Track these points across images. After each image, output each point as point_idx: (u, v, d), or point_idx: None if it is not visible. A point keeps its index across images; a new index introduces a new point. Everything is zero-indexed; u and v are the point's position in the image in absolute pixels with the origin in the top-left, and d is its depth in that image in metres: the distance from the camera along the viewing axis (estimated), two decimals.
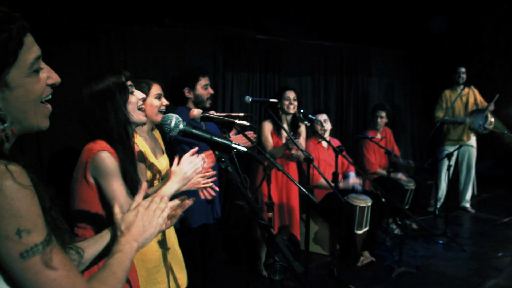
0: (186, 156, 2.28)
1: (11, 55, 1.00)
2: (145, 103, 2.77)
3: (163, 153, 3.02)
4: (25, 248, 0.95)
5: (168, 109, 2.78)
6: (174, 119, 1.37)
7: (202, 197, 2.80)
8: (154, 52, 4.85)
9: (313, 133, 4.97)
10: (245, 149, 1.39)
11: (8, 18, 1.00)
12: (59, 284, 0.99)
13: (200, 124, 2.65)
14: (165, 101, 2.86)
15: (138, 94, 2.31)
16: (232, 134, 3.52)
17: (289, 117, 4.53)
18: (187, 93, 3.65)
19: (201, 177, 2.67)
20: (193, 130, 1.38)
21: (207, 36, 5.38)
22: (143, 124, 2.43)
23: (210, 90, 3.76)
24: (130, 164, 2.19)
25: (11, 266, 0.96)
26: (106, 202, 2.12)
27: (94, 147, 2.11)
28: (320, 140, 4.79)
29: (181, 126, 1.37)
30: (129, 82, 2.24)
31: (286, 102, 4.42)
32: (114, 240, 1.33)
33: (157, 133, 3.10)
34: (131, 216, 1.32)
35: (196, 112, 1.55)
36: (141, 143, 2.74)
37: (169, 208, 1.40)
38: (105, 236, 1.41)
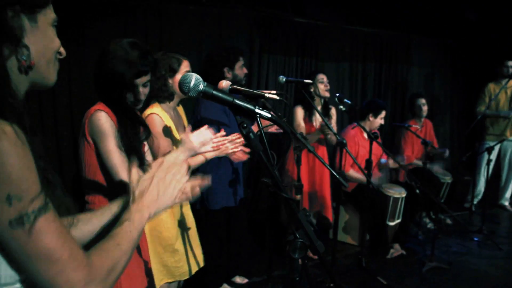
0: (200, 130, 2.26)
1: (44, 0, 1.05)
2: (173, 78, 2.74)
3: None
4: (15, 216, 0.88)
5: None
6: (194, 78, 1.26)
7: (235, 160, 2.75)
8: (189, 31, 4.80)
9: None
10: (269, 115, 1.29)
11: None
12: (53, 255, 0.92)
13: None
14: None
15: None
16: None
17: (321, 101, 4.42)
18: (227, 73, 3.64)
19: (229, 142, 2.62)
20: (214, 92, 1.28)
21: (244, 17, 5.29)
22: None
23: (245, 70, 3.77)
24: (131, 129, 2.16)
25: (2, 233, 0.90)
26: (103, 164, 2.10)
27: (93, 107, 2.11)
28: (356, 125, 4.66)
29: (201, 87, 1.27)
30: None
31: (321, 86, 4.31)
32: (123, 210, 1.25)
33: (181, 110, 3.06)
34: (145, 182, 1.24)
35: (224, 83, 1.47)
36: (166, 118, 2.72)
37: (185, 179, 1.30)
38: (113, 207, 1.35)
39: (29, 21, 1.01)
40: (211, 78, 3.57)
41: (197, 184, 1.46)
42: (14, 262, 0.96)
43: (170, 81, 2.77)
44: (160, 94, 2.76)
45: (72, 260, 0.95)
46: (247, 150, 2.76)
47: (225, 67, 3.66)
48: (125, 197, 1.31)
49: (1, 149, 0.86)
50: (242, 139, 2.64)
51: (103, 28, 4.16)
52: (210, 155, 2.56)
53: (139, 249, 2.26)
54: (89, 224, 1.31)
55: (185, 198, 1.42)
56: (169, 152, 2.58)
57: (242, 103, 1.27)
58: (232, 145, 2.64)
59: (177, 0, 4.75)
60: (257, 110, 1.27)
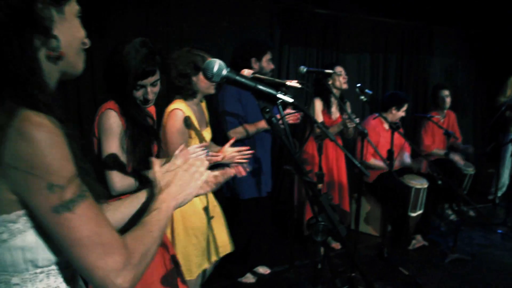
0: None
1: None
2: (198, 76, 2.76)
3: (207, 126, 3.02)
4: (58, 203, 0.94)
5: None
6: (217, 64, 1.28)
7: (231, 174, 2.77)
8: (210, 23, 4.82)
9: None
10: (291, 100, 1.31)
11: None
12: (93, 240, 0.97)
13: None
14: None
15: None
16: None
17: (338, 93, 4.42)
18: (253, 63, 3.67)
19: (237, 151, 2.68)
20: (237, 77, 1.29)
21: (264, 8, 5.29)
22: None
23: (272, 65, 3.79)
24: (139, 129, 2.19)
25: (44, 219, 0.96)
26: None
27: (104, 105, 2.15)
28: (378, 115, 4.63)
29: (224, 72, 1.28)
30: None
31: (340, 78, 4.30)
32: (150, 200, 1.29)
33: (204, 106, 3.10)
34: (170, 175, 1.30)
35: (246, 72, 1.48)
36: (190, 114, 2.74)
37: (207, 173, 1.36)
38: (140, 196, 1.39)
39: (57, 13, 1.04)
40: (238, 67, 3.63)
41: (220, 174, 1.51)
42: (54, 247, 1.01)
43: (194, 78, 2.77)
44: (184, 92, 2.79)
45: (111, 245, 0.99)
46: (247, 170, 2.75)
47: (253, 57, 3.68)
48: (151, 188, 1.35)
49: (41, 140, 0.91)
50: (249, 152, 2.74)
51: (125, 20, 4.22)
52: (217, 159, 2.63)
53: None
54: (117, 212, 1.36)
55: (209, 188, 1.48)
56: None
57: (264, 88, 1.29)
58: (239, 155, 2.70)
59: None
60: (279, 95, 1.29)
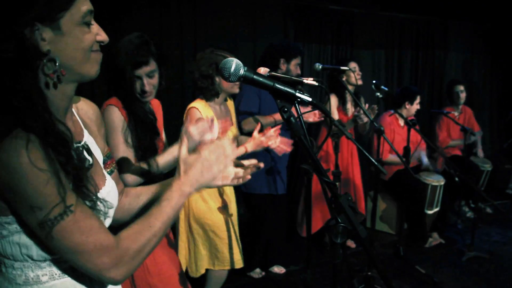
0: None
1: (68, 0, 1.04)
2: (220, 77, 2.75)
3: (232, 124, 3.02)
4: (42, 220, 0.98)
5: None
6: (235, 64, 1.25)
7: (279, 152, 2.70)
8: (223, 22, 4.82)
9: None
10: (310, 99, 1.29)
11: None
12: (78, 249, 1.02)
13: None
14: None
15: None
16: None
17: (352, 89, 4.37)
18: (282, 63, 3.68)
19: (263, 135, 2.62)
20: (254, 76, 1.27)
21: (278, 6, 5.27)
22: None
23: (299, 71, 3.81)
24: (141, 123, 2.20)
25: (36, 232, 1.02)
26: None
27: (106, 102, 2.16)
28: (393, 112, 4.59)
29: (242, 72, 1.25)
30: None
31: (355, 74, 4.26)
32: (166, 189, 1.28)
33: (230, 104, 3.10)
34: (192, 158, 1.24)
35: (263, 70, 1.46)
36: (209, 113, 2.74)
37: (231, 162, 1.31)
38: (160, 185, 1.42)
39: (52, 30, 1.02)
40: (266, 65, 3.63)
41: (248, 171, 1.45)
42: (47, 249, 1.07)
43: (217, 79, 2.78)
44: (206, 92, 2.80)
45: (97, 249, 1.04)
46: (291, 141, 2.73)
47: (283, 58, 3.68)
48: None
49: (25, 165, 0.94)
50: (277, 132, 2.65)
51: (139, 20, 4.23)
52: (250, 148, 2.55)
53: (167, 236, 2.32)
54: (137, 200, 1.42)
55: (234, 184, 1.43)
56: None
57: (282, 87, 1.27)
58: (267, 139, 2.64)
59: None
60: (297, 94, 1.27)
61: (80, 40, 1.06)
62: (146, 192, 1.43)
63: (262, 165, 1.51)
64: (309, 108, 3.24)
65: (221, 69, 1.28)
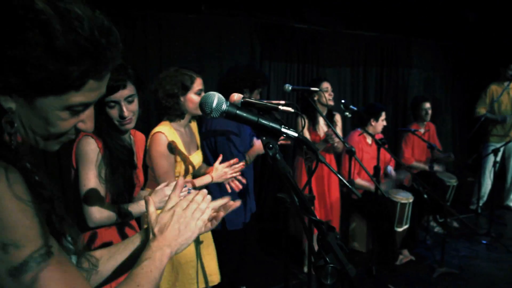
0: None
1: (58, 88, 0.87)
2: (186, 96, 2.67)
3: (198, 149, 2.93)
4: (13, 265, 0.82)
5: None
6: (217, 98, 1.19)
7: (229, 190, 2.72)
8: (190, 40, 4.76)
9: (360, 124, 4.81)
10: (296, 134, 1.23)
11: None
12: None
13: None
14: None
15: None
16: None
17: (324, 109, 4.36)
18: (244, 93, 3.63)
19: (227, 166, 2.61)
20: (237, 112, 1.21)
21: (244, 25, 5.25)
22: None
23: (258, 97, 3.78)
24: (117, 155, 2.11)
25: (3, 284, 0.83)
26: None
27: (82, 132, 2.06)
28: (362, 131, 4.60)
29: (224, 107, 1.20)
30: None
31: (326, 94, 4.25)
32: (144, 244, 1.19)
33: (194, 126, 3.00)
34: (166, 217, 1.17)
35: (236, 96, 1.40)
36: (174, 137, 2.65)
37: (210, 209, 1.24)
38: (135, 241, 1.28)
39: (24, 100, 0.86)
40: (228, 91, 3.58)
41: (222, 207, 1.37)
42: None
43: (182, 99, 2.68)
44: (171, 113, 2.69)
45: None
46: (243, 180, 2.80)
47: (247, 88, 3.64)
48: (145, 231, 1.25)
49: (3, 194, 0.81)
50: (240, 165, 2.69)
51: None
52: (216, 177, 2.64)
53: None
54: (112, 260, 1.26)
55: (211, 227, 1.35)
56: (168, 172, 2.56)
57: (267, 123, 1.21)
58: (231, 171, 2.64)
59: (176, 9, 4.70)
60: (283, 130, 1.22)
61: (50, 124, 0.90)
62: (119, 252, 1.27)
63: (238, 203, 1.44)
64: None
65: (201, 105, 1.21)
